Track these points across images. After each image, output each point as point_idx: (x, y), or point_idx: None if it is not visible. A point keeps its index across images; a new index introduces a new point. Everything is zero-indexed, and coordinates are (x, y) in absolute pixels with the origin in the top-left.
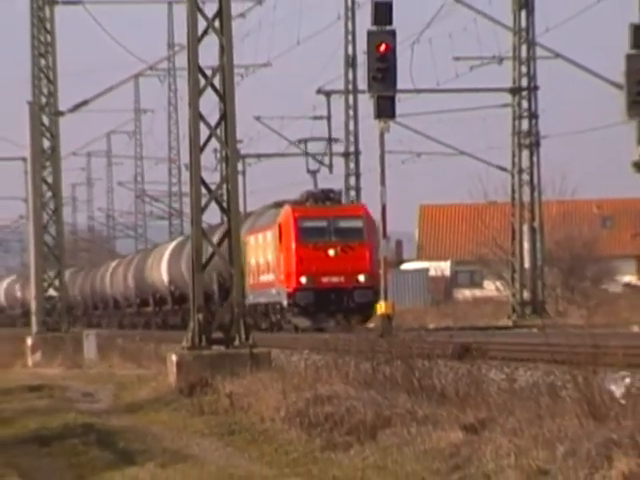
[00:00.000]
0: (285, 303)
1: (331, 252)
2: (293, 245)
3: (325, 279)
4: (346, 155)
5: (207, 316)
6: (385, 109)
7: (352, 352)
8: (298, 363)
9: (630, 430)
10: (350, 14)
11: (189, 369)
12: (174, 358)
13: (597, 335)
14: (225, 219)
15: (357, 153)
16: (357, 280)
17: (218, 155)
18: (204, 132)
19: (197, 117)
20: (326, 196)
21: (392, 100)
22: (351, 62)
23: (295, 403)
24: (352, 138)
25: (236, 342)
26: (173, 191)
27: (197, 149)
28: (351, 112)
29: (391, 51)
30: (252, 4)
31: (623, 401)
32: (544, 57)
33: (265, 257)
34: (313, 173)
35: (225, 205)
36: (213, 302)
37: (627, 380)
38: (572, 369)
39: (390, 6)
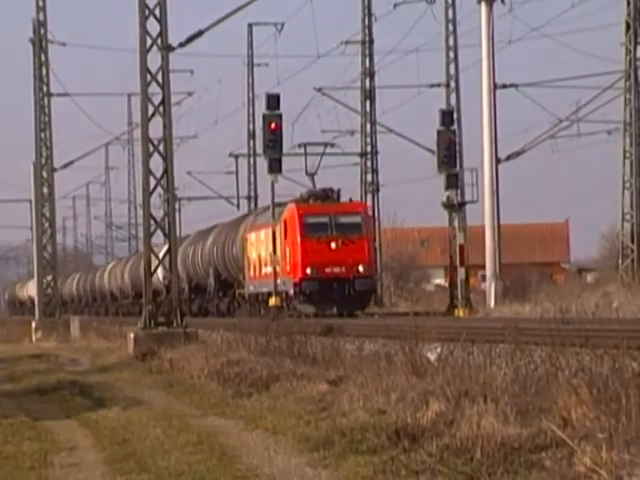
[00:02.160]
0: (291, 292)
1: (333, 245)
2: (298, 239)
3: (328, 269)
4: (248, 198)
5: (153, 307)
6: (275, 167)
7: (253, 331)
8: (216, 338)
9: (440, 383)
10: (252, 102)
11: (142, 343)
12: (132, 335)
13: (417, 318)
14: (167, 241)
15: (256, 197)
16: (357, 270)
17: (162, 198)
18: (153, 182)
19: (147, 172)
20: (326, 194)
21: (279, 161)
22: (252, 135)
23: (214, 365)
24: (252, 187)
25: (174, 324)
26: (132, 222)
27: (147, 194)
28: (251, 169)
29: (279, 128)
30: (184, 96)
31: (436, 364)
32: (382, 132)
33: (268, 250)
34: (311, 175)
35: (167, 232)
36: (209, 293)
37: (438, 349)
38: (401, 342)
39: (278, 97)
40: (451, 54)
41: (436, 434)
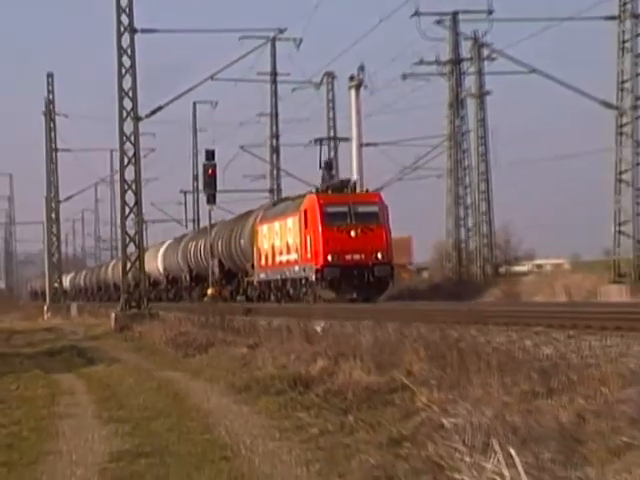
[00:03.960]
0: (313, 278)
1: (352, 233)
2: (319, 228)
3: (348, 256)
4: (193, 221)
5: (129, 295)
6: (211, 200)
7: (196, 311)
8: (171, 317)
9: (324, 347)
10: (196, 155)
11: (120, 320)
12: (113, 314)
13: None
14: (137, 250)
15: (198, 220)
16: (376, 257)
17: (134, 221)
18: (127, 210)
19: (124, 204)
20: (343, 185)
21: (214, 196)
22: (195, 178)
23: (169, 335)
24: (195, 213)
25: (142, 307)
26: (113, 237)
27: (124, 218)
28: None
29: (214, 173)
30: (149, 151)
31: (321, 334)
32: (284, 175)
33: (284, 240)
34: (327, 165)
35: (137, 244)
36: (212, 282)
37: (322, 324)
38: (297, 319)
39: (213, 152)
40: (331, 122)
41: (321, 382)
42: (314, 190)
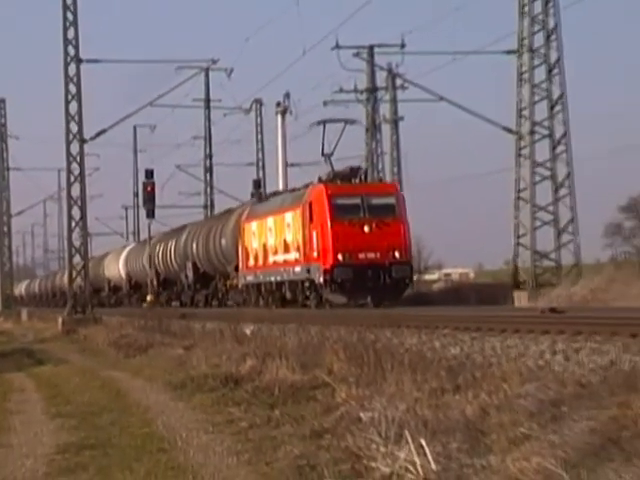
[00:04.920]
0: (320, 280)
1: (366, 228)
2: (328, 222)
3: (361, 255)
4: (133, 233)
5: (75, 302)
6: (150, 214)
7: (137, 316)
8: (114, 321)
9: (253, 348)
10: (136, 174)
11: (67, 324)
12: (60, 319)
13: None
14: (82, 260)
15: (138, 232)
16: (394, 256)
17: (79, 233)
18: (73, 224)
19: (70, 218)
20: (354, 174)
21: (153, 211)
22: (136, 194)
23: (111, 338)
24: (136, 226)
25: (87, 312)
26: (60, 248)
27: (70, 232)
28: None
29: (153, 190)
30: (93, 170)
31: (250, 336)
32: (216, 193)
33: (280, 238)
34: (328, 157)
35: (82, 254)
36: (185, 285)
37: (251, 327)
38: (228, 322)
39: (152, 171)
40: (260, 145)
41: (250, 379)
42: (317, 180)
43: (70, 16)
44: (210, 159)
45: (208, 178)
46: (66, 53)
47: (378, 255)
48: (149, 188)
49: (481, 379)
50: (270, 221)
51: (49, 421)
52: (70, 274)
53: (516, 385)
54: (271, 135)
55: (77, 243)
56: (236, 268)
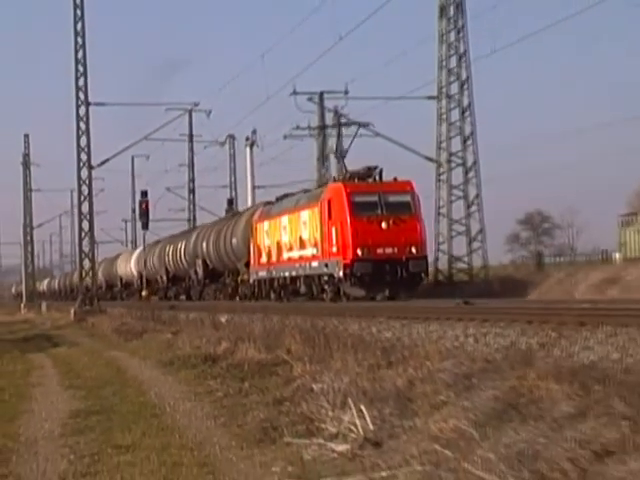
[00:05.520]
0: (340, 274)
1: (383, 225)
2: (348, 219)
3: (380, 250)
4: (132, 242)
5: (84, 296)
6: (144, 226)
7: (135, 308)
8: (116, 312)
9: (227, 333)
10: (134, 194)
11: (78, 314)
12: (72, 310)
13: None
14: (89, 264)
15: (136, 241)
16: (410, 251)
17: (88, 242)
18: (83, 234)
19: (80, 230)
20: (369, 173)
21: (147, 223)
22: (133, 210)
23: (114, 325)
24: (134, 236)
25: (94, 305)
26: (74, 254)
27: (80, 240)
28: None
29: (147, 207)
30: (99, 191)
31: (225, 323)
32: (199, 210)
33: (295, 235)
34: (341, 155)
35: (91, 259)
36: (194, 281)
37: (226, 316)
38: (207, 312)
39: (146, 192)
40: (232, 171)
41: (225, 358)
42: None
43: (81, 68)
44: (193, 182)
45: (191, 197)
46: (77, 97)
47: (396, 250)
48: (144, 205)
49: (409, 357)
50: (284, 220)
51: (63, 392)
52: (80, 274)
53: (436, 362)
54: (242, 163)
55: (86, 249)
56: (246, 265)
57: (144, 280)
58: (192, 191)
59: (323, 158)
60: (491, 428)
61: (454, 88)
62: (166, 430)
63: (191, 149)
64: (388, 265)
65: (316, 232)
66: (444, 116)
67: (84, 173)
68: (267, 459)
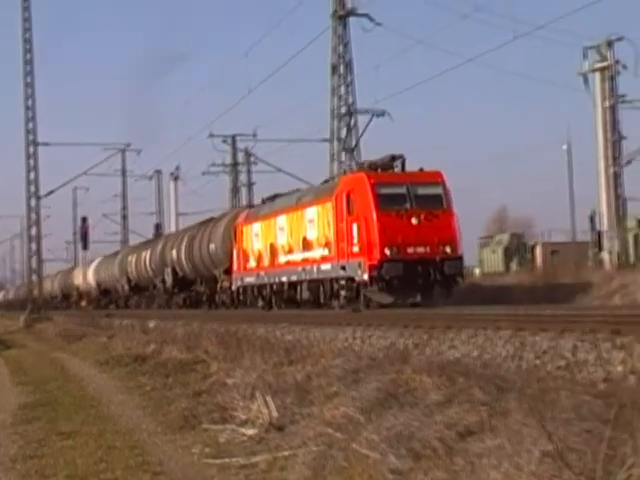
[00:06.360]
0: (364, 277)
1: (414, 220)
2: (374, 214)
3: (410, 249)
4: (74, 260)
5: (33, 306)
6: (85, 247)
7: (75, 315)
8: (61, 319)
9: (155, 336)
10: (75, 219)
11: (27, 321)
12: (22, 317)
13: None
14: (38, 278)
15: (76, 258)
16: (444, 251)
17: (36, 260)
18: (32, 253)
19: (30, 249)
20: (390, 164)
21: (87, 244)
22: (75, 233)
23: (58, 330)
24: (74, 256)
25: (41, 313)
26: (23, 270)
27: (29, 259)
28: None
29: (87, 231)
30: (45, 217)
31: (153, 328)
32: (132, 234)
33: (297, 235)
34: (351, 150)
35: (38, 274)
36: (161, 290)
37: (154, 323)
38: (138, 319)
39: (86, 218)
40: (159, 201)
41: (152, 358)
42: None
43: (30, 113)
44: (125, 210)
45: (124, 223)
46: (27, 138)
47: (428, 250)
48: (84, 229)
49: (307, 356)
50: (281, 220)
51: (13, 387)
52: (29, 288)
53: (330, 359)
54: (167, 194)
55: (35, 266)
56: (226, 271)
57: (101, 290)
58: (124, 217)
59: (235, 190)
60: (375, 414)
61: (343, 132)
62: (102, 419)
63: (124, 182)
64: (420, 267)
65: (328, 231)
66: (335, 156)
67: (32, 202)
68: (188, 442)
